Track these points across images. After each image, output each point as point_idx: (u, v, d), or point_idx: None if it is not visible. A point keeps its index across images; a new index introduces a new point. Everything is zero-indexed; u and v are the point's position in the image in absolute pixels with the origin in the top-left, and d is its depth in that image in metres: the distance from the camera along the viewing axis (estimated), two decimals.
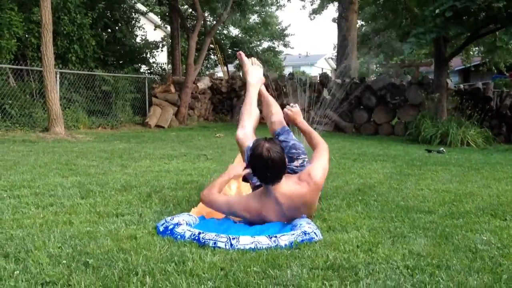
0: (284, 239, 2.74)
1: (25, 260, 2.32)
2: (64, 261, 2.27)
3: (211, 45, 19.59)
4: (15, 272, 2.12)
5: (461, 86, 13.15)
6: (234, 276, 2.18)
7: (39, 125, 10.61)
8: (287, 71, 37.13)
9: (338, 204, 3.91)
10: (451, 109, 12.05)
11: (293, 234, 2.81)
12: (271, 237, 2.73)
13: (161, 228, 2.91)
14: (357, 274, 2.21)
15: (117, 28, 14.56)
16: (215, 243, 2.66)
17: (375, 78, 15.84)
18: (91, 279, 2.10)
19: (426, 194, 4.46)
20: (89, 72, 12.49)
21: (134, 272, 2.20)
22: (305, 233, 2.85)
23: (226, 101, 15.31)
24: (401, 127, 12.76)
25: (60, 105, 10.63)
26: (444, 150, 9.03)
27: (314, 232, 2.89)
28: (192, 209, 3.54)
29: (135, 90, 13.63)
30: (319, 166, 3.31)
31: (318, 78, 14.37)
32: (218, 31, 21.54)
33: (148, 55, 16.08)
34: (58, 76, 11.09)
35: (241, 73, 16.11)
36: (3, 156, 6.58)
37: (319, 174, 3.23)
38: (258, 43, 30.61)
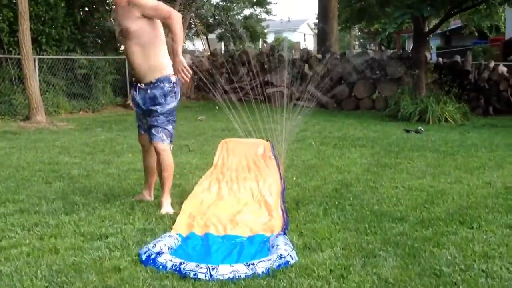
0: (261, 266, 2.89)
1: None
2: None
3: (191, 17, 19.36)
4: None
5: (440, 60, 13.27)
6: None
7: (19, 113, 10.56)
8: (269, 38, 36.89)
9: (314, 212, 4.06)
10: (430, 83, 12.21)
11: (270, 259, 2.96)
12: (249, 265, 2.88)
13: (144, 257, 3.04)
14: None
15: (94, 7, 14.31)
16: (195, 274, 2.80)
17: (355, 53, 15.89)
18: None
19: (400, 194, 4.63)
20: (66, 56, 12.33)
21: None
22: (281, 256, 3.00)
23: (208, 78, 15.28)
24: (381, 102, 12.91)
25: (40, 89, 10.58)
26: (422, 129, 9.23)
27: (290, 255, 3.04)
28: (173, 226, 3.67)
29: (115, 71, 13.53)
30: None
31: (299, 55, 14.37)
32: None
33: None
34: (36, 62, 10.97)
35: (222, 49, 16.02)
36: None
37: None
38: (240, 10, 30.24)
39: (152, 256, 3.01)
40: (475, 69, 12.55)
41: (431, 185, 4.99)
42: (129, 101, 12.77)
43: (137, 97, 4.17)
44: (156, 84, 4.09)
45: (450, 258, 3.02)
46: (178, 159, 6.52)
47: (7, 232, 3.57)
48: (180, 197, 4.54)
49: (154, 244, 3.17)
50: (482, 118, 11.38)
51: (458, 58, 12.84)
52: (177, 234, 3.49)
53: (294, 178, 5.33)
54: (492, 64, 12.44)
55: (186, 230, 3.64)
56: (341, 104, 13.48)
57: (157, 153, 4.22)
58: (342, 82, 13.53)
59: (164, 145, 4.18)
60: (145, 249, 3.15)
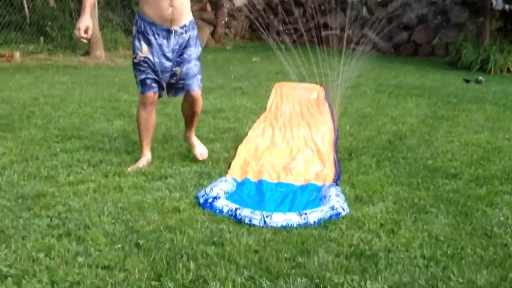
0: (313, 216, 2.98)
1: (84, 240, 2.64)
2: (119, 245, 2.58)
3: None
4: (79, 259, 2.44)
5: (506, 7, 12.56)
6: (267, 262, 2.46)
7: (79, 47, 10.83)
8: None
9: (367, 163, 4.10)
10: (494, 30, 11.66)
11: (322, 210, 3.05)
12: (301, 214, 2.99)
13: (201, 200, 3.20)
14: (377, 264, 2.46)
15: None
16: (250, 220, 2.93)
17: None
18: (143, 264, 2.41)
19: (455, 149, 4.58)
20: None
21: (179, 255, 2.50)
22: (332, 208, 3.09)
23: (263, 18, 15.09)
24: (441, 49, 12.49)
25: (98, 25, 10.76)
26: (483, 80, 8.90)
27: (341, 207, 3.13)
28: (228, 171, 3.81)
29: None
30: None
31: None
32: None
33: None
34: None
35: None
36: (50, 91, 6.90)
37: None
38: None
39: (210, 200, 3.16)
40: None
41: (488, 140, 4.90)
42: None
43: (171, 44, 3.78)
44: (191, 27, 3.86)
45: (502, 218, 3.03)
46: (232, 102, 6.63)
47: (74, 168, 3.80)
48: (234, 141, 4.67)
49: (211, 189, 3.31)
50: None
51: None
52: (232, 179, 3.63)
53: (348, 127, 5.33)
54: None
55: (241, 175, 3.76)
56: (399, 49, 13.11)
57: (195, 100, 4.00)
58: (401, 26, 13.10)
59: (200, 91, 4.04)
60: (202, 192, 3.30)
